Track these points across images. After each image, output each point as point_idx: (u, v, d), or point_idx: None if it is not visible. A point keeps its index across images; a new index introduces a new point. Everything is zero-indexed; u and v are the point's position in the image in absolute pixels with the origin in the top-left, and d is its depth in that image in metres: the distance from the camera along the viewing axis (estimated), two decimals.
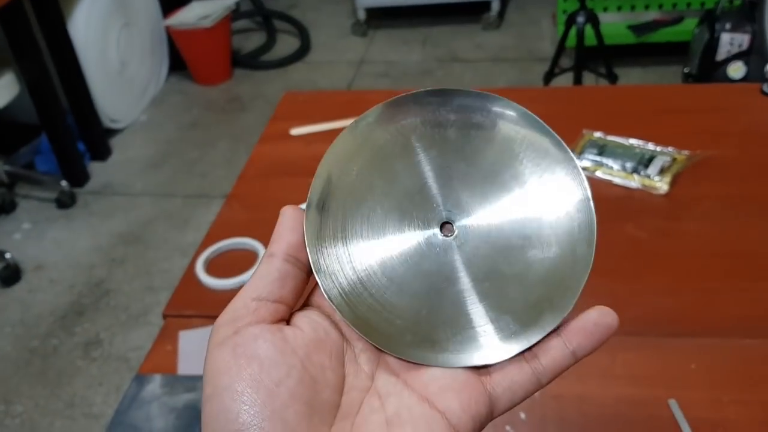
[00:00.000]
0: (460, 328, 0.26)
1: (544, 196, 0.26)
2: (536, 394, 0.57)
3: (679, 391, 0.55)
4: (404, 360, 0.25)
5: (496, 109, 0.27)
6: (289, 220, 0.25)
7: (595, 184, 0.79)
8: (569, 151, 0.27)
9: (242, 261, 0.73)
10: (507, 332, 0.26)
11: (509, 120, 0.27)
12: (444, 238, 0.26)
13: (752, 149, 0.81)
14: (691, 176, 0.77)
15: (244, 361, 0.22)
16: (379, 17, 2.90)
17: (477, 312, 0.26)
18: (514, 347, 0.25)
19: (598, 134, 0.84)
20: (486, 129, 0.27)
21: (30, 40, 1.85)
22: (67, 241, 1.87)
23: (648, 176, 0.77)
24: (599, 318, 0.25)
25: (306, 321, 0.25)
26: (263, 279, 0.24)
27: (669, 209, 0.74)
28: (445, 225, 0.27)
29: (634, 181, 0.77)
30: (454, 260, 0.26)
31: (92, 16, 2.10)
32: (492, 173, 0.27)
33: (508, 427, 0.54)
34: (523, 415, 0.55)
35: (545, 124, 0.27)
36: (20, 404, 1.43)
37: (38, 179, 2.05)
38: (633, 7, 2.32)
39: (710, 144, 0.81)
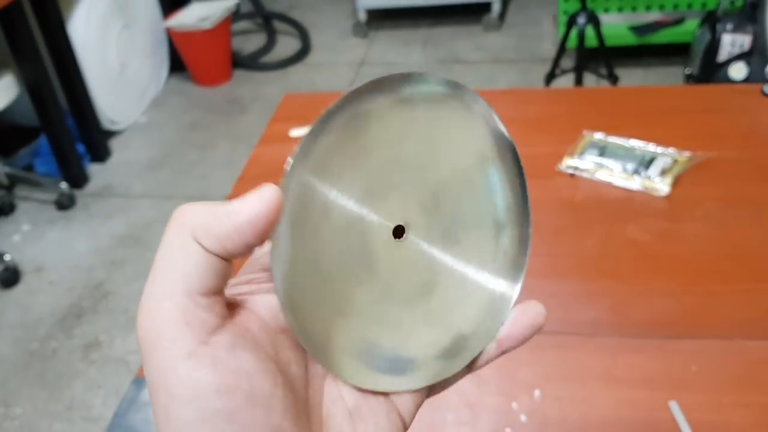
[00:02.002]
0: (400, 344, 0.24)
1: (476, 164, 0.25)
2: (536, 395, 0.57)
3: (680, 393, 0.54)
4: (348, 382, 0.23)
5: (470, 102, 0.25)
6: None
7: (596, 185, 0.78)
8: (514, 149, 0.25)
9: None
10: (451, 345, 0.24)
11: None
12: (395, 241, 0.24)
13: (754, 150, 0.81)
14: (693, 178, 0.77)
15: (232, 380, 0.18)
16: (379, 18, 2.90)
17: (420, 324, 0.24)
18: (458, 362, 0.24)
19: (598, 135, 0.84)
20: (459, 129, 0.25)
21: (29, 41, 1.85)
22: (66, 243, 1.87)
23: (649, 178, 0.77)
24: (533, 321, 0.25)
25: (256, 308, 0.21)
26: (193, 269, 0.19)
27: (670, 211, 0.74)
28: (399, 228, 0.24)
29: (635, 183, 0.77)
30: (406, 263, 0.24)
31: (92, 18, 2.10)
32: (466, 199, 0.25)
33: (508, 429, 0.54)
34: (523, 418, 0.54)
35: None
36: (19, 407, 1.43)
37: (38, 181, 2.05)
38: (634, 8, 2.32)
39: (712, 145, 0.81)
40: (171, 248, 0.19)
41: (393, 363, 0.24)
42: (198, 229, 0.19)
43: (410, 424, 0.24)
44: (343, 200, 0.24)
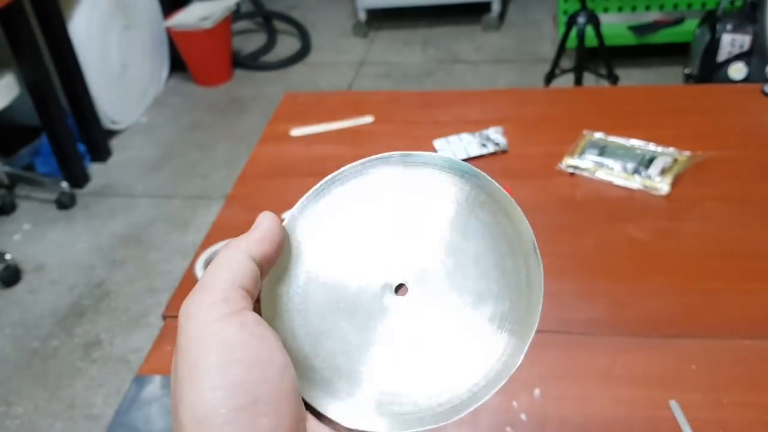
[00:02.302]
0: (397, 393, 0.25)
1: (496, 248, 0.26)
2: (537, 394, 0.57)
3: (680, 392, 0.55)
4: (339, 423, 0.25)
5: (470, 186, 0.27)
6: (268, 230, 0.26)
7: (596, 185, 0.78)
8: (536, 250, 0.26)
9: None
10: (448, 395, 0.25)
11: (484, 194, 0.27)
12: (396, 299, 0.27)
13: (753, 150, 0.81)
14: (692, 177, 0.77)
15: (254, 341, 0.22)
16: (379, 18, 2.90)
17: (414, 378, 0.26)
18: (452, 416, 0.25)
19: (598, 135, 0.84)
20: (472, 211, 0.27)
21: (30, 41, 1.85)
22: (67, 243, 1.87)
23: (649, 177, 0.77)
24: None
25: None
26: (243, 271, 0.24)
27: (670, 210, 0.74)
28: (401, 286, 0.27)
29: (635, 182, 0.77)
30: (397, 325, 0.26)
31: (93, 18, 2.10)
32: (462, 261, 0.26)
33: (508, 428, 0.54)
34: (523, 416, 0.55)
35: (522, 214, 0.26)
36: (20, 405, 1.43)
37: (38, 180, 2.06)
38: (634, 8, 2.32)
39: (711, 145, 0.81)
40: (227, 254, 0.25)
41: (387, 407, 0.25)
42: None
43: None
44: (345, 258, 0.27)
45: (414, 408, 0.25)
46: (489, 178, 0.27)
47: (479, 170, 0.27)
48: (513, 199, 0.27)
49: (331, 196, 0.28)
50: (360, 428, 0.25)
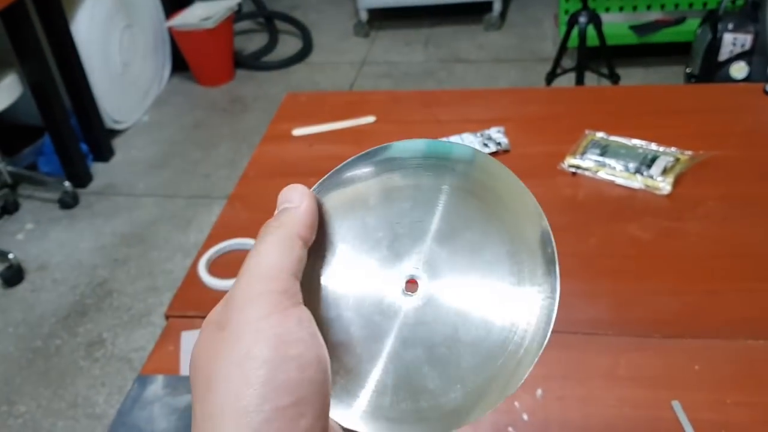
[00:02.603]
0: (405, 396, 0.25)
1: (511, 282, 0.25)
2: (539, 394, 0.57)
3: (683, 393, 0.54)
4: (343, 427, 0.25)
5: (482, 173, 0.26)
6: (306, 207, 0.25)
7: (598, 184, 0.78)
8: (552, 242, 0.25)
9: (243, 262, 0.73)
10: (451, 406, 0.25)
11: (494, 181, 0.26)
12: (407, 295, 0.26)
13: (755, 149, 0.81)
14: (694, 177, 0.77)
15: (310, 338, 0.22)
16: (380, 18, 2.90)
17: (426, 380, 0.25)
18: (453, 423, 0.25)
19: (600, 134, 0.84)
20: (469, 192, 0.26)
21: (33, 41, 1.85)
22: (70, 242, 1.87)
23: (651, 177, 0.77)
24: None
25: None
26: (296, 258, 0.24)
27: (672, 210, 0.74)
28: (410, 282, 0.26)
29: (637, 182, 0.77)
30: (410, 321, 0.25)
31: (95, 18, 2.11)
32: (468, 238, 0.26)
33: (510, 429, 0.54)
34: (525, 417, 0.55)
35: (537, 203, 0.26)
36: (23, 404, 1.44)
37: (41, 180, 2.06)
38: (635, 8, 2.31)
39: (713, 144, 0.81)
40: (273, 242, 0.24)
41: (405, 414, 0.25)
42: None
43: None
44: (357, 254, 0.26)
45: (421, 411, 0.25)
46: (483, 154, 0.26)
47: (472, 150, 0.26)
48: (509, 171, 0.26)
49: (332, 194, 0.27)
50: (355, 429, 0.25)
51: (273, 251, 0.23)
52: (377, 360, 0.25)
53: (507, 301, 0.25)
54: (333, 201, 0.27)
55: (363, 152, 0.27)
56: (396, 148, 0.27)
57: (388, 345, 0.26)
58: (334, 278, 0.26)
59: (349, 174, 0.27)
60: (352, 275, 0.26)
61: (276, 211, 0.26)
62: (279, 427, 0.20)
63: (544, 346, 0.24)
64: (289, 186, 0.26)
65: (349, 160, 0.27)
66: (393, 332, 0.26)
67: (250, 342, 0.21)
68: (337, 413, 0.25)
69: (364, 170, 0.27)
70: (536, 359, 0.24)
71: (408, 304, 0.26)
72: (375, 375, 0.25)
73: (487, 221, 0.26)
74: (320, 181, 0.27)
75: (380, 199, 0.27)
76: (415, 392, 0.25)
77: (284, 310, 0.22)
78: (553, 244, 0.25)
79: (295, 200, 0.25)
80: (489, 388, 0.24)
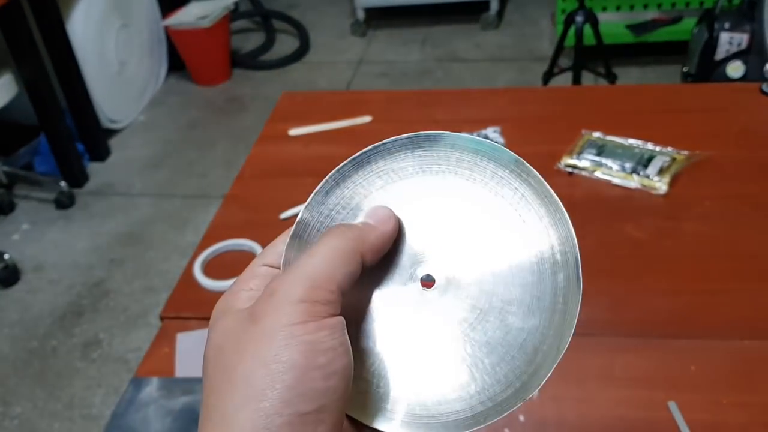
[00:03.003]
0: (424, 394, 0.25)
1: (531, 258, 0.25)
2: (535, 396, 0.57)
3: (679, 393, 0.54)
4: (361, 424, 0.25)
5: (489, 160, 0.26)
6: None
7: (594, 184, 0.78)
8: (564, 211, 0.25)
9: (240, 262, 0.73)
10: (470, 405, 0.24)
11: (501, 170, 0.26)
12: (424, 292, 0.25)
13: (751, 149, 0.81)
14: (691, 176, 0.77)
15: (341, 348, 0.22)
16: (378, 17, 2.89)
17: (448, 375, 0.25)
18: (471, 423, 0.24)
19: (597, 134, 0.84)
20: (476, 181, 0.26)
21: (28, 40, 1.85)
22: (66, 242, 1.87)
23: (647, 176, 0.77)
24: None
25: None
26: (347, 271, 0.23)
27: (668, 209, 0.74)
28: (427, 279, 0.26)
29: (633, 181, 0.77)
30: (432, 317, 0.25)
31: (90, 17, 2.10)
32: (478, 228, 0.25)
33: (506, 430, 0.54)
34: (522, 418, 0.54)
35: (542, 179, 0.25)
36: (19, 405, 1.43)
37: (37, 180, 2.05)
38: (632, 7, 2.31)
39: (709, 144, 0.81)
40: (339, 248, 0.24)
41: (417, 415, 0.25)
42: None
43: None
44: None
45: (432, 411, 0.25)
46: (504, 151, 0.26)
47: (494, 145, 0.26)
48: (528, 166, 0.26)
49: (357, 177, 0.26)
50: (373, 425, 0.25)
51: (330, 260, 0.23)
52: (387, 361, 0.25)
53: (525, 305, 0.25)
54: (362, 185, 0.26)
55: (407, 138, 0.26)
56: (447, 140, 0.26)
57: (397, 346, 0.25)
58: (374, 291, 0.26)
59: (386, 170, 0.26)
60: (367, 288, 0.26)
61: (359, 220, 0.25)
62: (300, 428, 0.20)
63: (560, 356, 0.24)
64: (381, 205, 0.26)
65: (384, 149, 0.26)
66: (402, 333, 0.25)
67: (282, 345, 0.21)
68: (378, 423, 0.25)
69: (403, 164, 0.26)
70: (555, 364, 0.24)
71: (426, 302, 0.26)
72: (384, 376, 0.25)
73: (485, 199, 0.26)
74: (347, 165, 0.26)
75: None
76: (435, 392, 0.25)
77: (321, 320, 0.22)
78: (579, 264, 0.24)
79: (379, 220, 0.25)
80: (501, 391, 0.24)
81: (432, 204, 0.26)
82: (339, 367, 0.21)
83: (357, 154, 0.26)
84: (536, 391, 0.24)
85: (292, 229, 0.26)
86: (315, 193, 0.26)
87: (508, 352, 0.24)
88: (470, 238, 0.25)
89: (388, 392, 0.25)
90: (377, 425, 0.25)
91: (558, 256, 0.24)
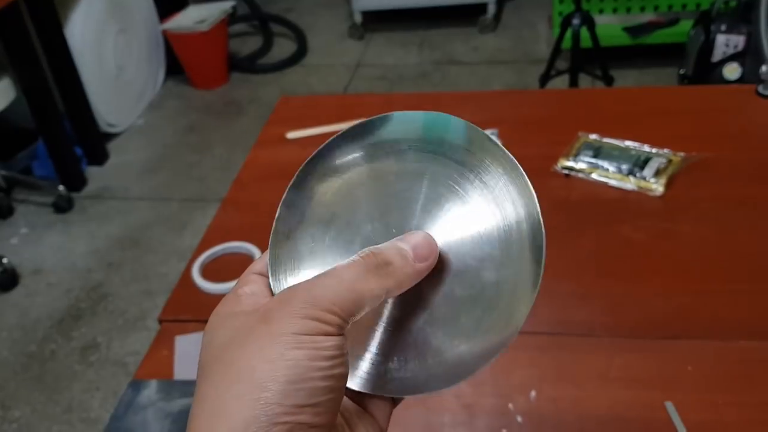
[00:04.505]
0: (413, 356, 0.26)
1: (496, 216, 0.27)
2: (532, 396, 0.57)
3: (676, 394, 0.55)
4: (354, 390, 0.26)
5: (449, 133, 0.28)
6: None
7: (591, 186, 0.79)
8: (519, 167, 0.27)
9: (237, 265, 0.73)
10: (455, 360, 0.26)
11: (459, 142, 0.27)
12: None
13: (748, 150, 0.81)
14: (687, 178, 0.78)
15: (344, 357, 0.23)
16: (375, 20, 2.90)
17: (430, 338, 0.26)
18: (460, 376, 0.26)
19: (593, 136, 0.85)
20: (439, 155, 0.28)
21: (26, 45, 1.85)
22: (64, 246, 1.87)
23: (644, 178, 0.77)
24: None
25: None
26: (366, 308, 0.24)
27: (665, 211, 0.74)
28: None
29: (630, 183, 0.77)
30: (418, 286, 0.27)
31: (88, 21, 2.10)
32: (444, 197, 0.27)
33: (504, 431, 0.54)
34: (519, 419, 0.55)
35: (495, 140, 0.27)
36: (17, 409, 1.43)
37: (35, 184, 2.05)
38: (628, 9, 2.32)
39: (706, 146, 0.81)
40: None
41: (415, 372, 0.26)
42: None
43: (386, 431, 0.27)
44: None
45: (412, 371, 0.26)
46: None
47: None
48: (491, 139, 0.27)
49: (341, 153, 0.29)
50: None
51: (356, 297, 0.24)
52: (378, 327, 0.27)
53: (497, 259, 0.26)
54: (327, 187, 0.29)
55: (355, 126, 0.28)
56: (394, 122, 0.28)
57: (386, 312, 0.27)
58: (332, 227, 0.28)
59: (341, 160, 0.29)
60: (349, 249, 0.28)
61: (400, 244, 0.26)
62: (295, 423, 0.21)
63: (536, 292, 0.25)
64: (426, 235, 0.26)
65: (340, 138, 0.29)
66: (389, 300, 0.27)
67: (288, 346, 0.22)
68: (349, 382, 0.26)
69: (355, 155, 0.29)
70: (530, 307, 0.25)
71: None
72: (377, 341, 0.27)
73: (448, 169, 0.27)
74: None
75: (371, 182, 0.28)
76: (421, 352, 0.26)
77: (329, 336, 0.23)
78: (542, 224, 0.26)
79: (419, 255, 0.26)
80: (489, 338, 0.26)
81: (396, 181, 0.28)
82: (337, 373, 0.23)
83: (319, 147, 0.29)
84: (517, 331, 0.26)
85: (273, 225, 0.28)
86: (288, 188, 0.29)
87: (490, 303, 0.26)
88: (439, 209, 0.27)
89: (388, 360, 0.27)
90: (377, 391, 0.26)
91: (520, 209, 0.26)
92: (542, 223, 0.26)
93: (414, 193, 0.27)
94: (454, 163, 0.27)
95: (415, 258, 0.25)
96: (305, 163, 0.28)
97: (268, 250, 0.28)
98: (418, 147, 0.28)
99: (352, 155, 0.28)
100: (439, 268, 0.27)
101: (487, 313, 0.26)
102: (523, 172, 0.26)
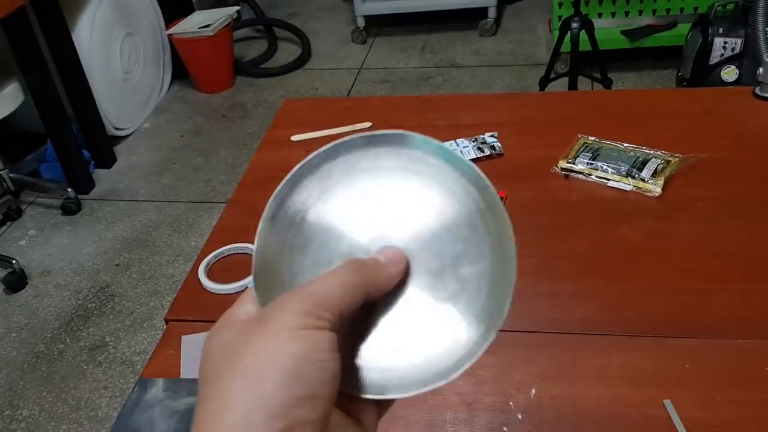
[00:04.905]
0: (398, 357, 0.28)
1: (463, 214, 0.28)
2: (533, 394, 0.58)
3: (674, 391, 0.55)
4: (346, 391, 0.27)
5: (408, 149, 0.30)
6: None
7: (590, 187, 0.80)
8: (468, 163, 0.28)
9: (243, 265, 0.74)
10: (441, 358, 0.27)
11: (418, 154, 0.30)
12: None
13: (744, 152, 0.82)
14: (684, 179, 0.78)
15: (337, 356, 0.25)
16: (378, 25, 2.92)
17: (414, 339, 0.28)
18: (450, 372, 0.27)
19: (592, 138, 0.85)
20: (397, 169, 0.30)
21: (34, 49, 1.87)
22: (72, 247, 1.89)
23: (642, 179, 0.78)
24: None
25: None
26: (353, 305, 0.26)
27: (662, 211, 0.75)
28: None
29: (628, 184, 0.78)
30: (399, 293, 0.28)
31: (95, 26, 2.12)
32: (409, 206, 0.29)
33: (505, 428, 0.55)
34: (519, 416, 0.55)
35: (448, 147, 0.29)
36: (26, 408, 1.45)
37: (44, 186, 2.07)
38: (627, 13, 2.33)
39: (703, 147, 0.82)
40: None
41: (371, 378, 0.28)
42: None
43: None
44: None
45: (396, 373, 0.27)
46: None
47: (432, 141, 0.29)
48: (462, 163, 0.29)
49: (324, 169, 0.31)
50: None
51: (340, 290, 0.26)
52: (362, 331, 0.28)
53: (471, 253, 0.28)
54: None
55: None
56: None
57: (369, 317, 0.28)
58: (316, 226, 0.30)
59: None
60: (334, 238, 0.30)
61: (375, 255, 0.29)
62: (294, 412, 0.23)
63: (514, 275, 0.27)
64: (394, 247, 0.29)
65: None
66: (372, 309, 0.28)
67: (285, 340, 0.24)
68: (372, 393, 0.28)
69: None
70: (511, 293, 0.27)
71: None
72: (361, 344, 0.28)
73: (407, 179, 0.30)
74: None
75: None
76: (405, 352, 0.28)
77: (323, 330, 0.25)
78: (500, 203, 0.27)
79: (390, 260, 0.28)
80: (475, 330, 0.27)
81: (362, 199, 0.30)
82: (332, 367, 0.24)
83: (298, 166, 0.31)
84: (503, 321, 0.27)
85: (264, 213, 0.30)
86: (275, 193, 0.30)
87: (471, 298, 0.28)
88: (408, 214, 0.29)
89: (380, 366, 0.28)
90: (371, 395, 0.27)
91: (482, 205, 0.28)
92: (505, 210, 0.27)
93: (381, 208, 0.29)
94: (415, 175, 0.29)
95: (388, 261, 0.28)
96: (271, 198, 0.30)
97: (252, 280, 0.30)
98: (380, 166, 0.30)
99: (309, 190, 0.30)
100: (415, 271, 0.28)
101: (470, 306, 0.27)
102: (481, 173, 0.28)
